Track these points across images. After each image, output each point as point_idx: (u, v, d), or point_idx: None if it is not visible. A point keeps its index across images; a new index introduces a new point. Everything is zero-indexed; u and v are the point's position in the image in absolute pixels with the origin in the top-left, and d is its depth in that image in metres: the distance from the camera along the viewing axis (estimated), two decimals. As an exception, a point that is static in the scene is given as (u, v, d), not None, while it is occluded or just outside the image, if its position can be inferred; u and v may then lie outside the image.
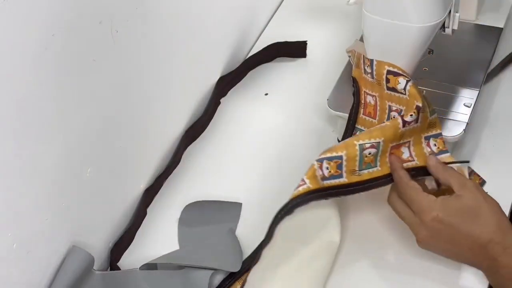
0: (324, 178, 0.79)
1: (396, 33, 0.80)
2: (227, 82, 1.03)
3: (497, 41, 1.01)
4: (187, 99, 0.96)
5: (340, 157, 0.79)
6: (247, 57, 1.08)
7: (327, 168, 0.79)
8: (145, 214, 0.87)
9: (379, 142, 0.79)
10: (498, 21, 1.03)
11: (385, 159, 0.81)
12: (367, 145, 0.79)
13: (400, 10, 0.78)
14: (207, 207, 0.88)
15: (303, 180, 0.77)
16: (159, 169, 0.91)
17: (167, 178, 0.92)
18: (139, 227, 0.86)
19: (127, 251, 0.84)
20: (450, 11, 0.81)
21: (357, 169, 0.80)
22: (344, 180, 0.79)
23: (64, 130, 0.70)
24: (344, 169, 0.79)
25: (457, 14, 0.82)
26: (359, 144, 0.79)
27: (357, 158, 0.79)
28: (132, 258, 0.83)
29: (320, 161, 0.78)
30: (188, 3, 0.89)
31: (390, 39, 0.81)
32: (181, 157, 0.94)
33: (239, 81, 1.05)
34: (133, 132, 0.84)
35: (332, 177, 0.79)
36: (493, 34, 1.02)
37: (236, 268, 0.78)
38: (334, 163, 0.79)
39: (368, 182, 0.80)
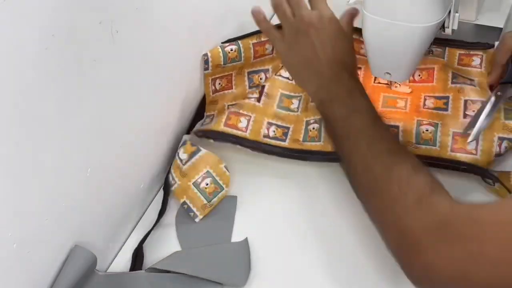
0: (266, 136, 0.89)
1: (396, 33, 0.80)
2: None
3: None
4: (187, 98, 0.96)
5: (288, 128, 0.90)
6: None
7: (274, 131, 0.89)
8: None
9: None
10: (498, 21, 1.03)
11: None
12: (311, 121, 0.89)
13: (400, 10, 0.78)
14: None
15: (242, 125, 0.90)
16: (159, 168, 0.91)
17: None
18: (164, 213, 0.88)
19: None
20: (450, 11, 0.81)
21: (301, 140, 0.90)
22: (285, 143, 0.89)
23: (64, 130, 0.70)
24: (288, 136, 0.90)
25: (457, 14, 0.82)
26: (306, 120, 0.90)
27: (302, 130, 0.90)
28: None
29: (269, 124, 0.90)
30: (188, 3, 0.89)
31: (390, 39, 0.81)
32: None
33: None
34: (134, 132, 0.84)
35: (275, 138, 0.89)
36: (493, 34, 1.02)
37: (241, 284, 0.78)
38: (281, 130, 0.90)
39: (308, 153, 0.88)
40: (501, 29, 1.03)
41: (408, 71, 0.86)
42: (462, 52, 0.94)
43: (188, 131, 0.96)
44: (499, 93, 0.84)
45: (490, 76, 0.91)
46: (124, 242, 0.86)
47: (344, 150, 0.76)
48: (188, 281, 0.77)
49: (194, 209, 0.85)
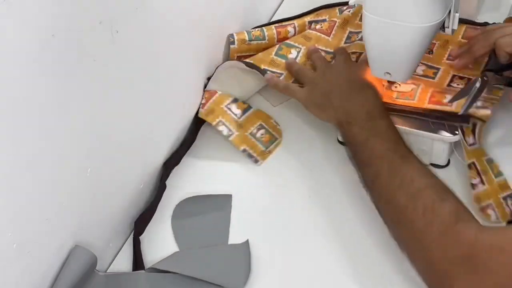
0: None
1: (396, 33, 0.80)
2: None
3: (497, 41, 1.01)
4: (188, 99, 0.96)
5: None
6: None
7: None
8: (164, 187, 0.89)
9: None
10: (498, 21, 1.03)
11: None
12: None
13: (400, 10, 0.78)
14: (199, 203, 0.88)
15: None
16: (160, 168, 0.91)
17: (185, 154, 0.94)
18: (160, 200, 0.88)
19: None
20: (450, 11, 0.81)
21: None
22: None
23: (64, 129, 0.70)
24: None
25: (457, 14, 0.82)
26: None
27: None
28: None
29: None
30: (188, 3, 0.89)
31: (390, 39, 0.81)
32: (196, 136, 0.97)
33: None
34: (133, 132, 0.84)
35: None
36: (493, 34, 1.02)
37: (240, 287, 0.78)
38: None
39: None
40: (501, 29, 1.02)
41: (408, 71, 0.86)
42: (470, 26, 0.96)
43: (188, 132, 0.96)
44: (485, 78, 0.84)
45: (459, 61, 0.91)
46: (124, 242, 0.86)
47: (366, 177, 0.76)
48: (188, 282, 0.77)
49: (255, 155, 0.92)
